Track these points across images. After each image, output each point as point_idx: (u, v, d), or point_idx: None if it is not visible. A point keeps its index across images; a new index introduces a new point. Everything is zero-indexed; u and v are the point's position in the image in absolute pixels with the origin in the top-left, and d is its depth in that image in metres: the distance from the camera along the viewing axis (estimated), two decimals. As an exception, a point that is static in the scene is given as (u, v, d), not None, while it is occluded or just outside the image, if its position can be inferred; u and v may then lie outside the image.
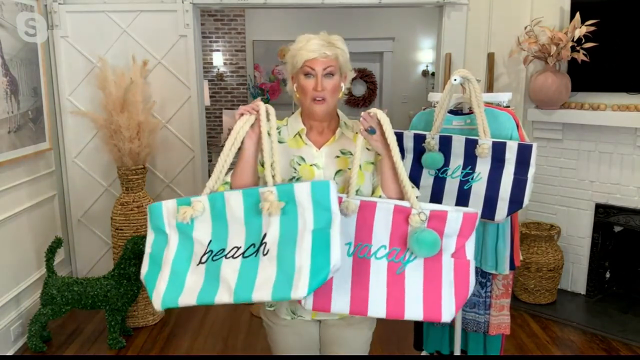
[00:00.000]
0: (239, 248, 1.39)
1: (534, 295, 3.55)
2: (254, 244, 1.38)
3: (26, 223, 3.20)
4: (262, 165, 1.44)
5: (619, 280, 3.75)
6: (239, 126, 1.44)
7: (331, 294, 1.45)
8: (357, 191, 1.55)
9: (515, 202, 2.07)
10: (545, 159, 3.70)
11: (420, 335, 2.67)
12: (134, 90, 3.15)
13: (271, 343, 1.78)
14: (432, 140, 2.18)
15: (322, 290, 1.43)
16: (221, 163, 1.44)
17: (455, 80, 2.08)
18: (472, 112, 2.16)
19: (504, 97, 2.34)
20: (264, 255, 1.36)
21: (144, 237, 2.99)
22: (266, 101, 7.41)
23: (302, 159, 1.59)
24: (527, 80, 3.67)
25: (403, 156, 2.21)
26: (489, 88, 3.69)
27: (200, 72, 3.68)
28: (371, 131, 1.47)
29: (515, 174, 2.07)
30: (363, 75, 7.77)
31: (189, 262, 1.42)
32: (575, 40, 3.24)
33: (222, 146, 5.97)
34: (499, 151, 2.07)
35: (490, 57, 3.69)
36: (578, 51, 3.24)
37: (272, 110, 1.45)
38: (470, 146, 2.12)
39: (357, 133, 1.55)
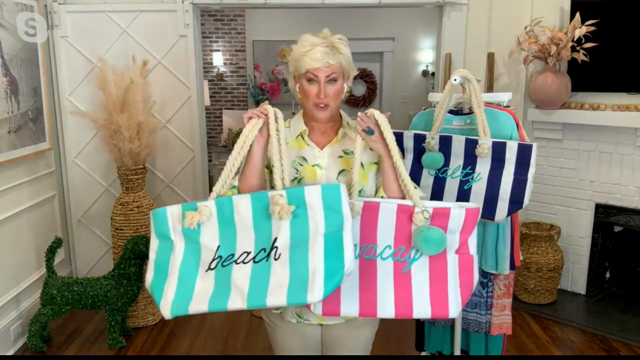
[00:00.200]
0: (249, 253, 1.38)
1: (534, 295, 3.55)
2: (264, 249, 1.37)
3: (26, 223, 3.20)
4: (269, 168, 1.43)
5: (619, 280, 3.75)
6: (248, 130, 1.43)
7: (340, 298, 1.45)
8: (360, 191, 1.55)
9: (516, 202, 2.07)
10: (545, 159, 3.70)
11: (421, 336, 2.67)
12: (134, 90, 3.15)
13: (273, 344, 1.78)
14: (432, 140, 2.18)
15: (330, 296, 1.41)
16: (229, 167, 1.43)
17: (455, 80, 2.08)
18: (472, 112, 2.16)
19: (504, 97, 2.34)
20: (276, 259, 1.35)
21: (144, 237, 2.99)
22: (266, 101, 7.41)
23: (304, 159, 1.59)
24: (527, 80, 3.67)
25: (403, 156, 2.21)
26: (489, 88, 3.69)
27: (200, 72, 3.68)
28: (369, 132, 1.47)
29: (515, 174, 2.07)
30: (363, 75, 7.76)
31: (197, 268, 1.40)
32: (575, 40, 3.24)
33: (223, 146, 5.97)
34: (499, 151, 2.07)
35: (490, 57, 3.69)
36: (578, 51, 3.24)
37: (280, 113, 1.45)
38: (470, 146, 2.12)
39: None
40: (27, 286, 3.18)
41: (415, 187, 1.49)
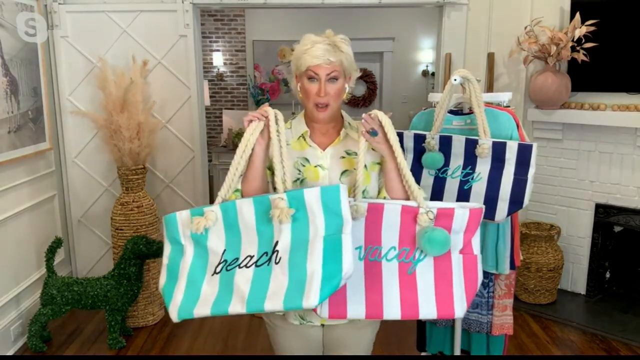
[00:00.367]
0: (252, 257, 1.38)
1: (534, 295, 3.55)
2: (266, 253, 1.37)
3: (26, 223, 3.20)
4: (271, 170, 1.43)
5: (619, 280, 3.75)
6: (249, 133, 1.43)
7: (346, 301, 1.45)
8: (363, 192, 1.55)
9: (516, 202, 2.07)
10: (545, 159, 3.70)
11: (423, 336, 2.67)
12: (134, 90, 3.15)
13: (274, 345, 1.77)
14: (432, 140, 2.18)
15: (336, 298, 1.42)
16: (232, 171, 1.44)
17: (455, 80, 2.08)
18: (472, 112, 2.16)
19: (504, 97, 2.34)
20: (276, 263, 1.35)
21: (144, 237, 2.99)
22: (266, 101, 7.42)
23: (307, 160, 1.58)
24: (527, 80, 3.67)
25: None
26: (489, 88, 3.69)
27: (200, 72, 3.68)
28: (373, 133, 1.46)
29: (515, 174, 2.07)
30: (363, 75, 7.76)
31: (204, 272, 1.41)
32: (575, 40, 3.24)
33: (223, 146, 5.95)
34: (499, 151, 2.07)
35: (490, 57, 3.69)
36: (578, 51, 3.24)
37: (280, 115, 1.44)
38: (471, 146, 2.12)
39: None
40: (27, 286, 3.18)
41: (418, 188, 1.48)
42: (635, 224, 3.38)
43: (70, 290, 2.95)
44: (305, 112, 1.63)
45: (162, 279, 1.44)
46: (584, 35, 3.19)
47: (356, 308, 1.45)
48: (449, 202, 1.47)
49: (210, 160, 5.34)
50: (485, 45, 3.69)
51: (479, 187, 2.12)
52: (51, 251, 2.96)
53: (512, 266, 2.31)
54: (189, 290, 1.40)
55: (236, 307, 1.34)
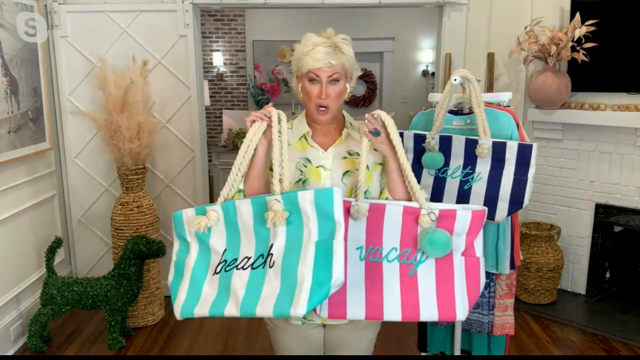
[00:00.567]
0: (249, 258, 1.38)
1: (534, 295, 3.55)
2: (262, 255, 1.37)
3: (26, 223, 3.20)
4: (272, 170, 1.43)
5: (619, 280, 3.75)
6: (252, 134, 1.42)
7: (346, 302, 1.44)
8: (365, 192, 1.54)
9: (516, 202, 2.07)
10: (545, 159, 3.70)
11: (424, 336, 2.67)
12: (134, 90, 3.15)
13: (275, 345, 1.77)
14: (432, 140, 2.18)
15: (336, 299, 1.41)
16: (234, 171, 1.43)
17: (455, 80, 2.08)
18: (472, 112, 2.16)
19: (504, 97, 2.34)
20: (270, 267, 1.34)
21: (144, 237, 3.00)
22: (266, 101, 7.41)
23: (308, 160, 1.58)
24: (527, 80, 3.67)
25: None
26: (489, 88, 3.69)
27: (200, 72, 3.68)
28: (376, 133, 1.46)
29: (515, 174, 2.06)
30: (363, 75, 7.76)
31: (206, 271, 1.42)
32: (575, 40, 3.24)
33: (223, 146, 5.94)
34: (499, 151, 2.07)
35: (490, 57, 3.69)
36: (578, 51, 3.24)
37: (283, 115, 1.44)
38: (471, 146, 2.12)
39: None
40: (27, 286, 3.18)
41: (420, 189, 1.48)
42: (635, 224, 3.38)
43: (70, 290, 2.95)
44: (306, 113, 1.62)
45: (171, 275, 1.46)
46: (584, 35, 3.19)
47: (356, 309, 1.44)
48: (451, 204, 1.46)
49: (210, 160, 5.33)
50: (485, 45, 3.69)
51: (479, 187, 2.12)
52: (51, 251, 2.96)
53: (512, 266, 2.32)
54: (192, 289, 1.40)
55: (231, 310, 1.34)
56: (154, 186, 3.68)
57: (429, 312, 1.42)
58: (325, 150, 1.59)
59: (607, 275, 3.70)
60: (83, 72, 3.54)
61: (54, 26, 3.47)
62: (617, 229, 3.61)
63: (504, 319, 2.41)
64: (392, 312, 1.42)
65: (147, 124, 3.22)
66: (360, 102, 7.89)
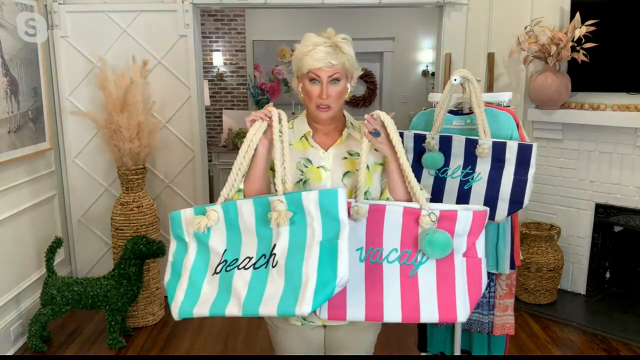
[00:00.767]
0: (250, 259, 1.37)
1: (534, 295, 3.55)
2: (264, 255, 1.36)
3: (26, 223, 3.20)
4: (273, 170, 1.42)
5: (619, 280, 3.75)
6: (252, 133, 1.42)
7: (346, 303, 1.44)
8: (365, 192, 1.54)
9: (516, 202, 2.07)
10: (545, 159, 3.70)
11: (424, 336, 2.67)
12: (134, 90, 3.15)
13: (275, 345, 1.77)
14: (432, 140, 2.18)
15: (336, 300, 1.41)
16: (235, 171, 1.43)
17: (455, 80, 2.08)
18: (472, 112, 2.16)
19: (504, 97, 2.34)
20: (273, 267, 1.34)
21: (144, 237, 2.99)
22: (266, 101, 7.41)
23: (309, 161, 1.58)
24: (527, 80, 3.67)
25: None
26: (489, 88, 3.69)
27: (200, 72, 3.68)
28: (375, 134, 1.45)
29: (515, 174, 2.06)
30: (363, 75, 7.76)
31: (205, 271, 1.41)
32: (575, 40, 3.24)
33: (223, 146, 5.93)
34: (499, 151, 2.07)
35: (490, 57, 3.69)
36: (578, 51, 3.24)
37: (284, 115, 1.43)
38: (471, 146, 2.12)
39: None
40: (27, 286, 3.18)
41: (421, 189, 1.47)
42: (635, 224, 3.38)
43: (70, 290, 2.95)
44: (307, 112, 1.62)
45: (167, 276, 1.45)
46: (584, 35, 3.19)
47: (356, 310, 1.43)
48: (452, 204, 1.45)
49: (210, 160, 5.33)
50: (485, 45, 3.69)
51: (479, 187, 2.12)
52: (51, 251, 2.96)
53: (512, 266, 2.32)
54: (190, 289, 1.40)
55: (233, 309, 1.34)
56: (154, 186, 3.68)
57: (429, 313, 1.41)
58: (326, 151, 1.59)
59: (607, 275, 3.70)
60: (83, 72, 3.54)
61: (54, 26, 3.47)
62: (617, 229, 3.61)
63: (504, 319, 2.41)
64: (392, 313, 1.42)
65: (147, 124, 3.22)
66: (360, 102, 7.89)
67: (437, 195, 2.19)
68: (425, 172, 2.23)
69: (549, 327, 3.30)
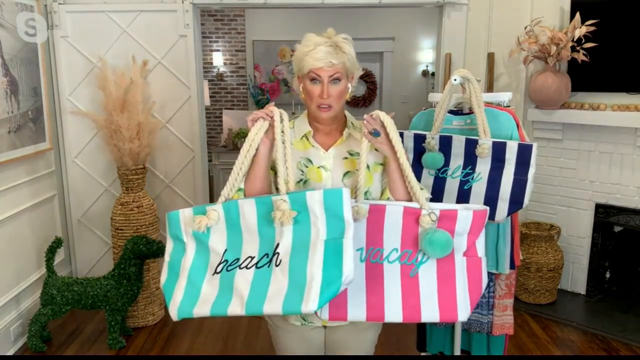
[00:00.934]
0: (252, 258, 1.37)
1: (534, 295, 3.55)
2: (267, 254, 1.36)
3: (26, 223, 3.20)
4: (274, 170, 1.42)
5: (619, 280, 3.75)
6: (254, 133, 1.41)
7: (346, 303, 1.43)
8: (366, 193, 1.54)
9: (516, 202, 2.07)
10: (545, 159, 3.70)
11: (423, 336, 2.67)
12: (134, 90, 3.15)
13: (275, 345, 1.77)
14: (432, 140, 2.18)
15: (337, 300, 1.40)
16: (236, 171, 1.42)
17: (455, 80, 2.08)
18: (472, 112, 2.16)
19: (504, 97, 2.34)
20: (277, 266, 1.33)
21: (144, 237, 2.99)
22: (266, 101, 7.41)
23: (310, 160, 1.58)
24: (527, 80, 3.67)
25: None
26: (489, 88, 3.69)
27: (200, 72, 3.68)
28: (375, 134, 1.45)
29: (515, 174, 2.07)
30: (363, 75, 7.76)
31: (204, 271, 1.41)
32: (575, 40, 3.24)
33: (223, 146, 5.93)
34: (499, 151, 2.07)
35: (490, 57, 3.69)
36: (578, 51, 3.24)
37: (285, 115, 1.43)
38: (471, 146, 2.12)
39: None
40: (27, 286, 3.18)
41: (421, 189, 1.47)
42: (635, 224, 3.38)
43: (70, 290, 2.95)
44: (308, 112, 1.62)
45: (164, 276, 1.44)
46: (584, 35, 3.19)
47: (357, 310, 1.43)
48: (452, 204, 1.45)
49: (210, 160, 5.33)
50: (485, 45, 3.69)
51: (479, 187, 2.12)
52: (51, 251, 2.96)
53: (512, 266, 2.32)
54: (189, 289, 1.39)
55: (235, 308, 1.33)
56: (154, 186, 3.68)
57: (430, 313, 1.41)
58: (326, 151, 1.59)
59: (607, 275, 3.70)
60: (83, 72, 3.54)
61: (54, 26, 3.47)
62: (617, 229, 3.61)
63: (504, 319, 2.41)
64: (393, 313, 1.42)
65: (147, 124, 3.22)
66: (360, 102, 7.89)
67: (437, 195, 2.19)
68: (425, 172, 2.23)
69: (549, 327, 3.30)
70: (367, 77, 7.81)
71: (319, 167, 1.57)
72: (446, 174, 2.19)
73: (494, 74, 3.71)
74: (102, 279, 3.01)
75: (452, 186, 2.18)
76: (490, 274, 2.37)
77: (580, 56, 3.24)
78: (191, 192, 3.71)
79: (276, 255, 1.34)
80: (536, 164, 2.07)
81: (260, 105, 7.42)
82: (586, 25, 3.19)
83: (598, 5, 3.30)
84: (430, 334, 2.63)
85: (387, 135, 1.46)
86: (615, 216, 3.45)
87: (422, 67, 7.74)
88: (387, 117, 1.46)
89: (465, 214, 1.41)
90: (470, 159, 2.13)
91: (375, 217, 1.44)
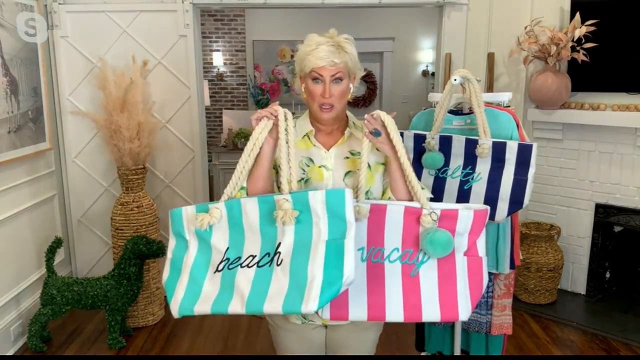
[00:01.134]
0: (254, 257, 1.37)
1: (534, 295, 3.55)
2: (268, 253, 1.36)
3: (26, 223, 3.20)
4: (276, 169, 1.42)
5: (619, 280, 3.75)
6: (258, 132, 1.41)
7: (348, 303, 1.43)
8: (367, 192, 1.54)
9: (516, 202, 2.07)
10: (545, 159, 3.70)
11: (421, 336, 2.67)
12: (134, 90, 3.15)
13: (276, 345, 1.77)
14: (432, 140, 2.18)
15: (338, 300, 1.40)
16: (239, 169, 1.42)
17: (455, 80, 2.08)
18: (472, 112, 2.16)
19: (504, 97, 2.34)
20: (278, 265, 1.34)
21: (144, 237, 2.99)
22: (266, 101, 7.41)
23: (311, 160, 1.58)
24: (527, 80, 3.67)
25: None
26: (489, 88, 3.69)
27: (200, 72, 3.68)
28: (376, 133, 1.45)
29: (515, 174, 2.07)
30: (363, 75, 7.75)
31: (206, 269, 1.41)
32: (575, 40, 3.24)
33: (223, 146, 5.92)
34: (499, 151, 2.07)
35: (490, 57, 3.69)
36: (578, 51, 3.24)
37: (289, 114, 1.43)
38: (471, 146, 2.12)
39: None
40: (27, 286, 3.18)
41: (422, 188, 1.47)
42: (635, 224, 3.38)
43: (70, 290, 2.95)
44: (309, 112, 1.62)
45: (166, 273, 1.45)
46: (584, 35, 3.19)
47: (358, 310, 1.43)
48: (453, 204, 1.45)
49: (210, 160, 5.33)
50: (485, 45, 3.69)
51: (479, 187, 2.12)
52: (51, 251, 2.96)
53: (512, 266, 2.32)
54: (191, 286, 1.39)
55: (236, 307, 1.33)
56: (154, 186, 3.68)
57: (431, 312, 1.41)
58: (328, 150, 1.59)
59: (607, 275, 3.70)
60: (83, 72, 3.54)
61: (54, 26, 3.47)
62: (617, 229, 3.61)
63: (502, 319, 2.41)
64: (394, 312, 1.42)
65: (147, 124, 3.22)
66: (360, 102, 7.90)
67: (437, 195, 2.19)
68: (425, 172, 2.24)
69: (549, 327, 3.30)
70: (367, 77, 7.82)
71: (320, 167, 1.57)
72: (446, 174, 2.19)
73: (494, 74, 3.71)
74: (102, 279, 3.01)
75: (452, 186, 2.18)
76: (489, 274, 2.37)
77: (580, 56, 3.24)
78: (191, 192, 3.71)
79: (277, 254, 1.34)
80: (536, 164, 2.07)
81: (260, 105, 7.42)
82: (586, 25, 3.19)
83: (598, 5, 3.30)
84: (428, 334, 2.63)
85: (388, 135, 1.46)
86: (615, 216, 3.45)
87: (422, 67, 7.74)
88: (388, 116, 1.46)
89: (466, 214, 1.41)
90: (470, 159, 2.13)
91: (376, 217, 1.44)
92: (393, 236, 1.45)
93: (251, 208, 1.38)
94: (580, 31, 3.18)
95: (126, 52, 3.46)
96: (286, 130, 1.41)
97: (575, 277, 3.71)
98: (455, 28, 3.64)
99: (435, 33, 4.41)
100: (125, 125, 3.10)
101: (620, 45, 3.28)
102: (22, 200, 3.15)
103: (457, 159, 2.17)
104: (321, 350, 1.73)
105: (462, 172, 2.16)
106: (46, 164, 3.46)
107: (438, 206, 1.43)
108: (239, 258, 1.39)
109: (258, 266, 1.36)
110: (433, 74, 7.16)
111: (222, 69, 7.59)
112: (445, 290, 1.41)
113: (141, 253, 2.97)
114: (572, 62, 3.39)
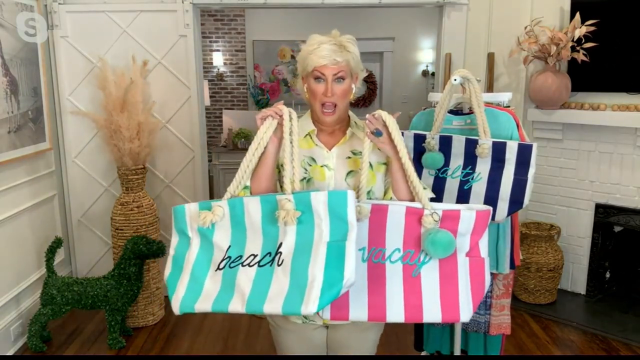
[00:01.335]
0: (255, 256, 1.37)
1: (534, 295, 3.55)
2: (269, 253, 1.36)
3: (26, 223, 3.20)
4: (279, 168, 1.42)
5: (619, 280, 3.75)
6: (262, 131, 1.42)
7: (348, 303, 1.43)
8: (369, 192, 1.54)
9: (516, 202, 2.07)
10: (545, 159, 3.70)
11: (420, 336, 2.67)
12: (134, 90, 3.15)
13: (277, 345, 1.77)
14: (432, 140, 2.18)
15: (339, 300, 1.40)
16: (243, 168, 1.43)
17: (455, 80, 2.08)
18: (472, 112, 2.16)
19: (504, 97, 2.34)
20: (279, 265, 1.33)
21: (144, 237, 3.00)
22: (266, 101, 7.40)
23: (313, 159, 1.58)
24: (527, 80, 3.67)
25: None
26: (489, 88, 3.69)
27: (200, 72, 3.68)
28: (377, 133, 1.45)
29: (515, 174, 2.07)
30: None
31: (208, 267, 1.41)
32: (575, 40, 3.24)
33: (223, 146, 5.91)
34: (499, 151, 2.07)
35: (490, 57, 3.69)
36: (578, 51, 3.24)
37: (294, 114, 1.43)
38: (471, 146, 2.12)
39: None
40: (27, 286, 3.18)
41: (424, 188, 1.47)
42: (635, 224, 3.38)
43: (70, 290, 2.95)
44: (311, 112, 1.62)
45: (167, 270, 1.45)
46: (584, 35, 3.19)
47: (359, 310, 1.43)
48: (455, 204, 1.45)
49: (210, 160, 5.33)
50: (485, 45, 3.69)
51: (479, 187, 2.12)
52: (51, 251, 2.96)
53: (512, 266, 2.32)
54: (192, 284, 1.40)
55: (236, 305, 1.33)
56: (154, 186, 3.68)
57: (432, 313, 1.40)
58: (330, 150, 1.59)
59: (607, 275, 3.70)
60: (83, 72, 3.54)
61: (54, 26, 3.47)
62: (617, 229, 3.61)
63: (501, 319, 2.41)
64: (395, 313, 1.41)
65: (147, 124, 3.22)
66: (360, 102, 7.89)
67: (437, 195, 2.19)
68: (425, 172, 2.24)
69: (549, 327, 3.30)
70: (367, 77, 7.68)
71: (322, 166, 1.57)
72: (446, 174, 2.19)
73: (494, 74, 3.71)
74: (102, 279, 3.01)
75: (452, 186, 2.18)
76: (489, 274, 2.38)
77: (580, 56, 3.24)
78: (191, 192, 3.71)
79: (279, 254, 1.34)
80: (536, 164, 2.07)
81: (260, 105, 7.41)
82: (586, 25, 3.19)
83: (598, 5, 3.30)
84: (427, 334, 2.63)
85: (389, 135, 1.46)
86: (615, 216, 3.45)
87: (422, 67, 7.74)
88: (389, 117, 1.46)
89: (468, 214, 1.40)
90: (470, 159, 2.14)
91: (378, 217, 1.44)
92: (394, 236, 1.44)
93: (254, 207, 1.38)
94: (580, 31, 3.18)
95: (126, 52, 3.46)
96: (290, 130, 1.41)
97: (575, 277, 3.71)
98: (455, 28, 3.64)
99: (435, 33, 4.41)
100: (125, 125, 3.10)
101: (620, 45, 3.28)
102: (22, 200, 3.15)
103: (457, 159, 2.17)
104: (322, 350, 1.72)
105: (462, 172, 2.16)
106: (46, 164, 3.46)
107: (440, 206, 1.43)
108: (241, 257, 1.39)
109: (259, 265, 1.36)
110: (433, 74, 7.16)
111: (222, 69, 7.59)
112: (447, 291, 1.41)
113: (141, 253, 2.97)
114: (572, 62, 3.39)
